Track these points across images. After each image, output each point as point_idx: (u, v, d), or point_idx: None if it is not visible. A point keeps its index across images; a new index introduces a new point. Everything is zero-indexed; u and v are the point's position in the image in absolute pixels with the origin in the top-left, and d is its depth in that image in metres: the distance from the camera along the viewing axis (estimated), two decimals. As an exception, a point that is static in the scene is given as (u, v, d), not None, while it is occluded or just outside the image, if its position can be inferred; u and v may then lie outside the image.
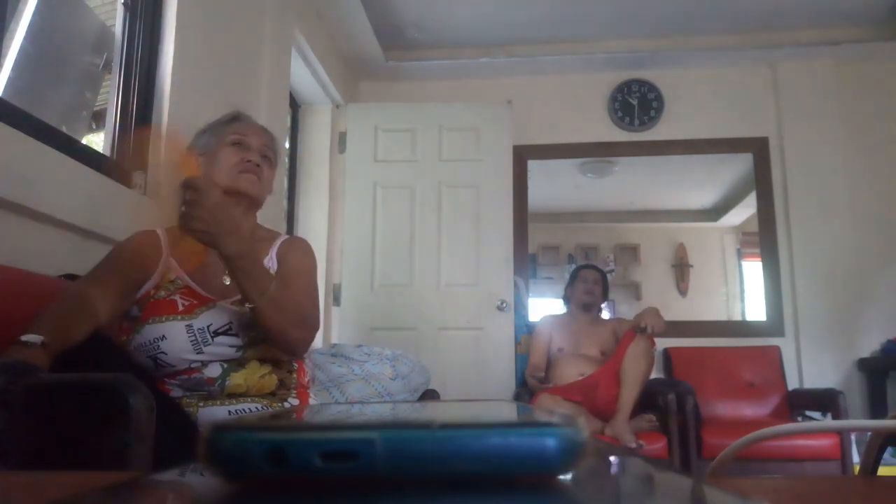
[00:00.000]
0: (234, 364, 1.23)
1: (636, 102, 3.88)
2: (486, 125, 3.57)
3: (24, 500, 0.28)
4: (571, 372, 2.98)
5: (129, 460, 0.82)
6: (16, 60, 1.74)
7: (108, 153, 1.85)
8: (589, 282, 3.24)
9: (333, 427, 0.24)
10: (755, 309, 3.99)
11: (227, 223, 1.13)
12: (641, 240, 4.79)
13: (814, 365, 3.49)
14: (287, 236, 1.48)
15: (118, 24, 1.94)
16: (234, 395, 1.22)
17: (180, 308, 1.23)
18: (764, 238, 3.73)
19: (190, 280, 1.28)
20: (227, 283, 1.30)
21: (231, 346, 1.23)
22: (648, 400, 2.80)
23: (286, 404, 1.28)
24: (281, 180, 3.25)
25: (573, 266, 3.92)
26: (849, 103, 3.70)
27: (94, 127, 2.11)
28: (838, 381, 3.41)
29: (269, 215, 2.41)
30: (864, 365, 3.44)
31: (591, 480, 0.27)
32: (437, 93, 3.92)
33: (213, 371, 1.21)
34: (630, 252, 4.78)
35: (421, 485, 0.22)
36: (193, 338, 1.20)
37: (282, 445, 0.22)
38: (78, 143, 1.76)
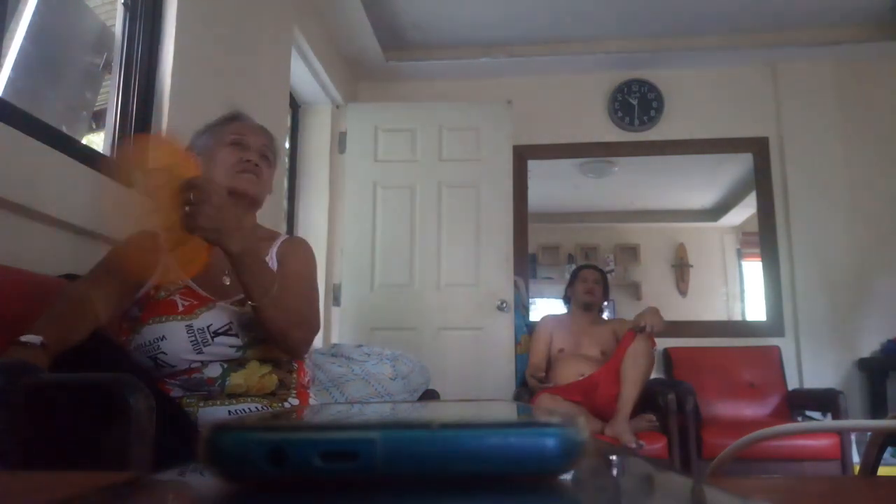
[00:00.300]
0: (235, 364, 1.23)
1: (636, 102, 3.88)
2: (486, 125, 3.57)
3: (24, 500, 0.28)
4: (571, 372, 2.98)
5: (129, 460, 0.82)
6: (16, 60, 1.74)
7: (108, 153, 1.85)
8: (589, 281, 3.24)
9: (333, 427, 0.24)
10: (755, 309, 3.99)
11: (232, 220, 1.13)
12: (641, 240, 4.79)
13: (814, 365, 3.49)
14: (287, 236, 1.48)
15: (118, 24, 1.94)
16: (234, 395, 1.22)
17: (180, 308, 1.23)
18: (764, 238, 3.73)
19: (190, 280, 1.28)
20: (227, 283, 1.30)
21: (231, 347, 1.23)
22: (648, 400, 2.80)
23: (286, 404, 1.28)
24: (281, 180, 3.24)
25: (573, 266, 3.92)
26: (849, 103, 3.70)
27: (94, 127, 2.11)
28: (838, 381, 3.41)
29: (269, 215, 2.41)
30: (864, 365, 3.44)
31: (591, 480, 0.27)
32: (437, 93, 3.92)
33: (213, 371, 1.21)
34: (630, 252, 4.78)
35: (421, 485, 0.22)
36: (193, 338, 1.20)
37: (282, 445, 0.22)
38: (78, 143, 1.76)
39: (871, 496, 0.33)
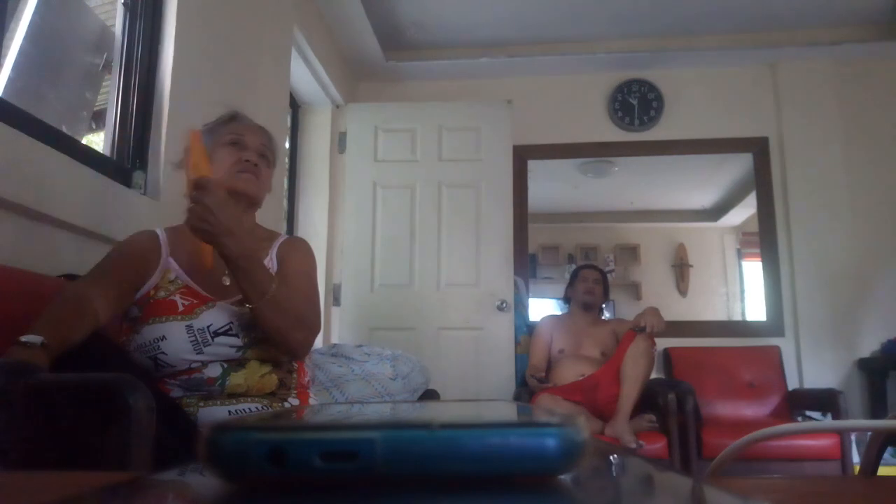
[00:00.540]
0: (235, 364, 1.23)
1: (636, 102, 3.88)
2: (486, 125, 3.57)
3: (24, 500, 0.28)
4: (572, 373, 2.98)
5: (129, 460, 0.82)
6: (16, 60, 1.75)
7: (108, 153, 1.85)
8: (589, 281, 3.24)
9: (333, 427, 0.24)
10: (755, 309, 3.99)
11: (229, 223, 1.13)
12: (641, 240, 4.79)
13: (814, 365, 3.49)
14: (286, 236, 1.48)
15: (118, 24, 1.94)
16: (234, 395, 1.22)
17: (180, 308, 1.23)
18: (764, 238, 3.73)
19: (189, 279, 1.28)
20: (227, 283, 1.30)
21: (231, 347, 1.23)
22: (648, 400, 2.80)
23: (286, 404, 1.28)
24: (281, 180, 3.24)
25: (573, 266, 3.92)
26: (849, 103, 3.70)
27: (94, 127, 2.11)
28: (838, 381, 3.41)
29: (269, 215, 2.41)
30: (864, 365, 3.44)
31: (591, 480, 0.27)
32: (437, 93, 3.92)
33: (214, 371, 1.21)
34: (630, 252, 4.78)
35: (421, 485, 0.22)
36: (193, 338, 1.20)
37: (282, 445, 0.22)
38: (78, 143, 1.76)
39: (871, 496, 0.33)
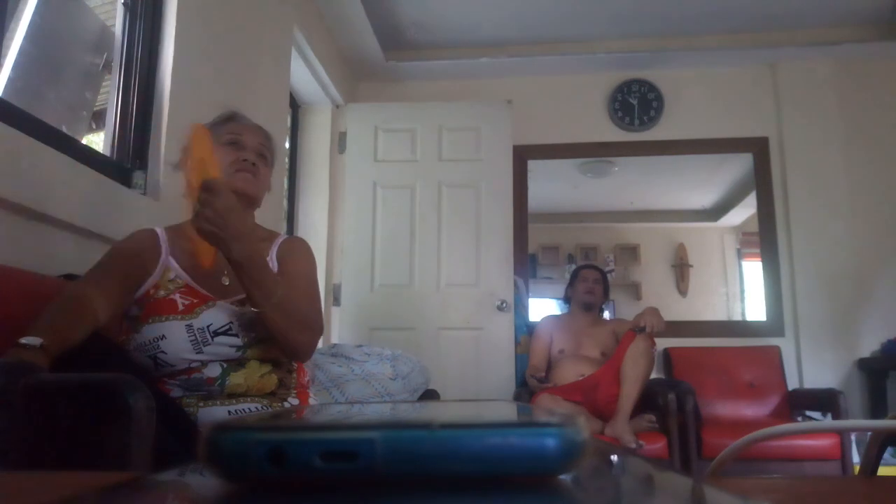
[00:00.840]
0: (234, 364, 1.23)
1: (636, 102, 3.88)
2: (486, 125, 3.57)
3: (24, 500, 0.28)
4: (572, 373, 2.98)
5: (129, 460, 0.82)
6: (16, 60, 1.74)
7: (108, 153, 1.85)
8: (589, 281, 3.24)
9: (333, 427, 0.24)
10: (755, 309, 3.99)
11: (236, 227, 1.13)
12: (641, 240, 4.79)
13: (814, 365, 3.49)
14: (286, 236, 1.48)
15: (118, 24, 1.94)
16: (234, 395, 1.22)
17: (180, 308, 1.23)
18: (764, 238, 3.73)
19: (189, 279, 1.28)
20: (227, 283, 1.30)
21: (231, 347, 1.23)
22: (648, 400, 2.80)
23: (286, 404, 1.28)
24: (281, 180, 3.24)
25: (573, 266, 3.92)
26: (849, 103, 3.70)
27: (94, 127, 2.11)
28: (838, 381, 3.41)
29: (269, 215, 2.41)
30: (864, 365, 3.44)
31: (591, 480, 0.27)
32: (437, 93, 3.92)
33: (213, 371, 1.21)
34: (630, 252, 4.78)
35: (421, 485, 0.22)
36: (193, 338, 1.20)
37: (282, 445, 0.22)
38: (78, 143, 1.76)
39: (871, 496, 0.33)
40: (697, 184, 4.56)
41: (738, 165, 3.98)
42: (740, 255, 4.63)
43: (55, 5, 1.99)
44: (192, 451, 0.25)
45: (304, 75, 3.33)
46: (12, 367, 0.89)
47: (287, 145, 3.45)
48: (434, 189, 3.55)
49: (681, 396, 2.75)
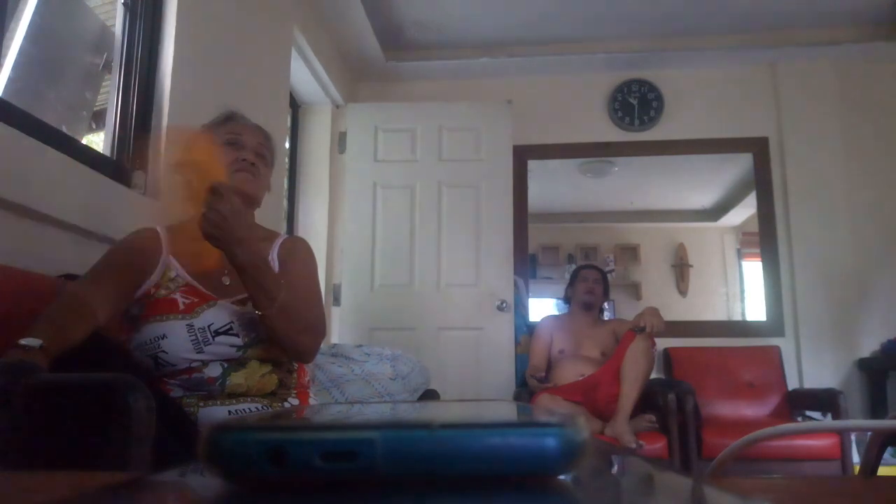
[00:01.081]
0: (235, 364, 1.23)
1: (636, 102, 3.88)
2: (486, 125, 3.57)
3: (25, 500, 0.28)
4: (572, 373, 2.98)
5: (129, 460, 0.82)
6: (16, 60, 1.74)
7: (108, 153, 1.85)
8: (589, 281, 3.24)
9: (333, 427, 0.24)
10: (755, 309, 3.99)
11: (242, 232, 1.13)
12: (641, 240, 4.79)
13: (814, 365, 3.49)
14: (286, 236, 1.48)
15: (118, 24, 1.94)
16: (234, 395, 1.22)
17: (181, 307, 1.23)
18: (764, 238, 3.73)
19: (190, 278, 1.28)
20: (227, 283, 1.30)
21: (232, 346, 1.23)
22: (648, 400, 2.80)
23: (286, 404, 1.28)
24: (281, 180, 3.24)
25: (573, 266, 3.92)
26: (849, 103, 3.70)
27: (94, 127, 2.11)
28: (838, 381, 3.41)
29: (269, 215, 2.41)
30: (864, 365, 3.44)
31: (591, 480, 0.27)
32: (437, 93, 3.92)
33: (214, 371, 1.21)
34: (630, 252, 4.78)
35: (421, 485, 0.22)
36: (194, 337, 1.20)
37: (282, 445, 0.22)
38: (78, 143, 1.76)
39: (871, 496, 0.33)
40: (697, 184, 4.56)
41: (738, 165, 3.98)
42: (740, 255, 4.63)
43: (55, 5, 1.99)
44: (192, 451, 0.25)
45: (304, 75, 3.33)
46: (12, 368, 0.89)
47: (287, 145, 3.45)
48: (434, 189, 3.55)
49: (681, 396, 2.75)
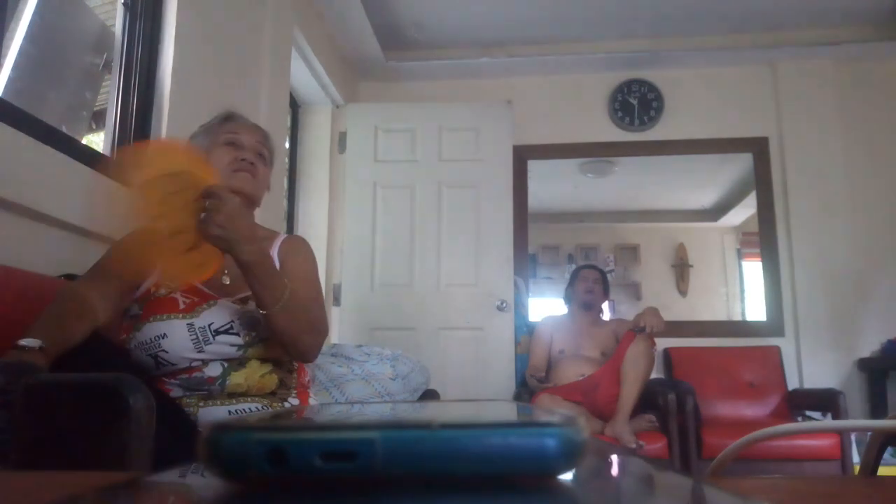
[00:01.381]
0: (235, 363, 1.23)
1: (636, 102, 3.88)
2: (486, 125, 3.57)
3: (25, 500, 0.28)
4: (572, 373, 2.98)
5: (129, 460, 0.82)
6: (16, 60, 1.75)
7: (108, 153, 1.85)
8: (589, 281, 3.24)
9: (333, 427, 0.24)
10: (755, 309, 3.99)
11: (244, 230, 1.13)
12: (641, 240, 4.79)
13: (814, 365, 3.49)
14: (286, 235, 1.48)
15: (118, 24, 1.94)
16: (234, 395, 1.22)
17: (181, 306, 1.23)
18: (764, 238, 3.73)
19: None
20: (227, 282, 1.30)
21: (232, 346, 1.23)
22: (648, 400, 2.80)
23: (286, 404, 1.28)
24: (281, 180, 3.24)
25: (573, 266, 3.92)
26: (849, 103, 3.70)
27: (94, 127, 2.11)
28: (838, 381, 3.41)
29: (269, 215, 2.41)
30: (864, 365, 3.44)
31: (591, 480, 0.27)
32: (437, 93, 3.92)
33: (214, 370, 1.21)
34: (630, 252, 4.78)
35: (421, 485, 0.22)
36: (195, 336, 1.20)
37: (282, 445, 0.22)
38: (78, 143, 1.76)
39: (871, 496, 0.33)
40: (697, 184, 4.56)
41: (738, 165, 3.98)
42: (740, 255, 4.63)
43: (55, 5, 1.99)
44: (192, 451, 0.25)
45: (304, 75, 3.33)
46: (12, 368, 0.89)
47: (287, 145, 3.45)
48: (434, 189, 3.55)
49: (681, 396, 2.75)
